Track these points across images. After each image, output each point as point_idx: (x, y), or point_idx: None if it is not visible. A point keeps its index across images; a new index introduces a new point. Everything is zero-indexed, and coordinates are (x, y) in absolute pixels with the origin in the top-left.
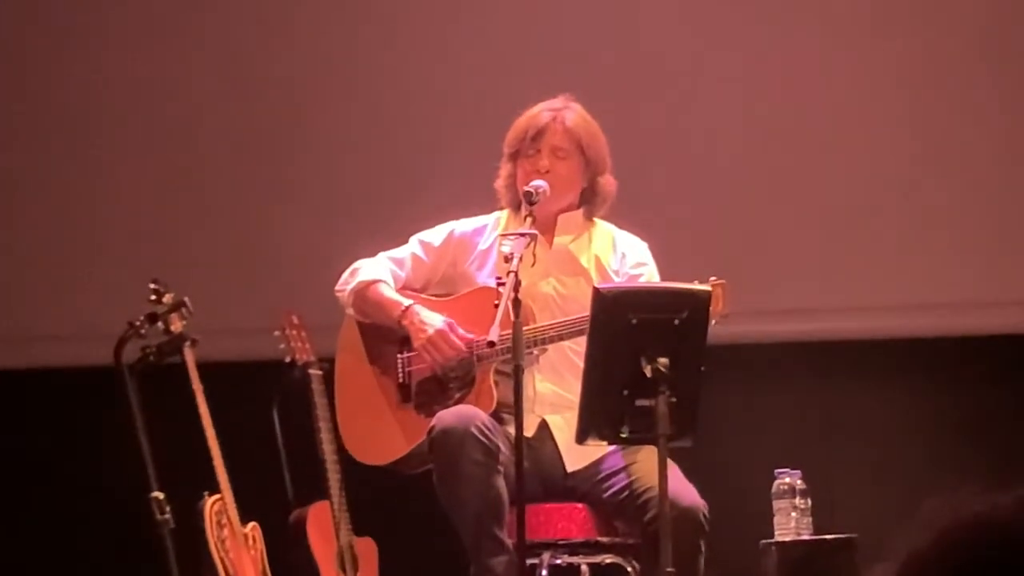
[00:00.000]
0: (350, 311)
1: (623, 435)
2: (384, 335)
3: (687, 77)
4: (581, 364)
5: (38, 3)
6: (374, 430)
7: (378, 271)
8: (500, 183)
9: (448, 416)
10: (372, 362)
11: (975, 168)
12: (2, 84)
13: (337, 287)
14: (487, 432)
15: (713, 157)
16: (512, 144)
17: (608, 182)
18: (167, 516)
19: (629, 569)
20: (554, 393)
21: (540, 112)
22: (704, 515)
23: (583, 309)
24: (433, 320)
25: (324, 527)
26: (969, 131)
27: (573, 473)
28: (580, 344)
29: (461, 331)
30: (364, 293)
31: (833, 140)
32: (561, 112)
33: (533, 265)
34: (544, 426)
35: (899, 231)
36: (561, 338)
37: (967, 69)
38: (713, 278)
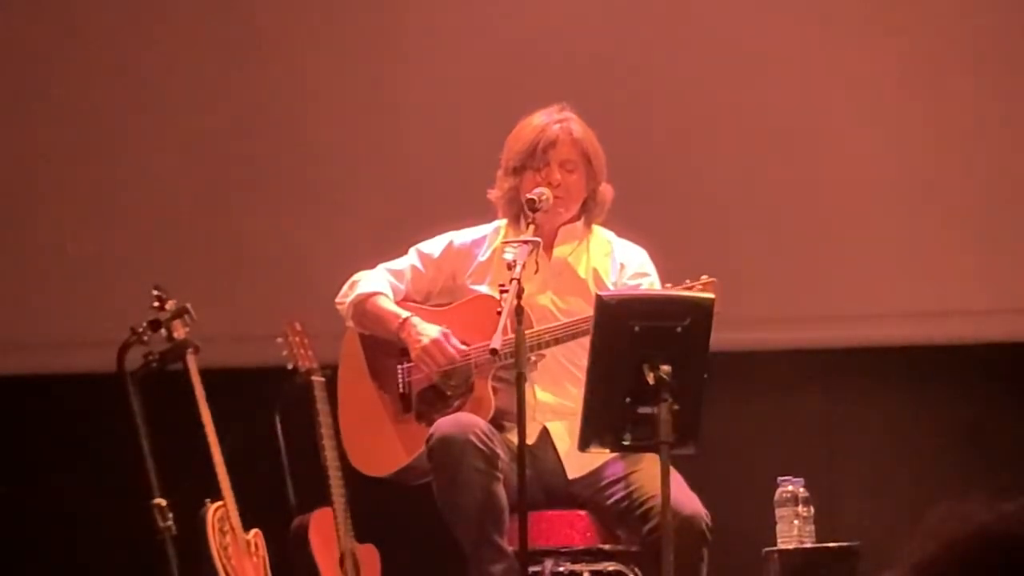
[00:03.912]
0: (350, 323)
1: (625, 443)
2: (385, 346)
3: (685, 83)
4: (579, 373)
5: (41, 4)
6: (376, 442)
7: (377, 283)
8: (498, 196)
9: (446, 424)
10: (373, 373)
11: (976, 176)
12: (6, 91)
13: (337, 299)
14: (486, 439)
15: (713, 165)
16: (518, 157)
17: (606, 190)
18: (169, 523)
19: None
20: (555, 401)
21: (547, 125)
22: (706, 524)
23: None
24: (428, 330)
25: (326, 534)
26: (970, 139)
27: (575, 480)
28: (577, 353)
29: (456, 341)
30: (363, 306)
31: (835, 147)
32: (566, 124)
33: (536, 272)
34: (545, 433)
35: (902, 239)
36: (559, 342)
37: (968, 75)
38: (704, 277)
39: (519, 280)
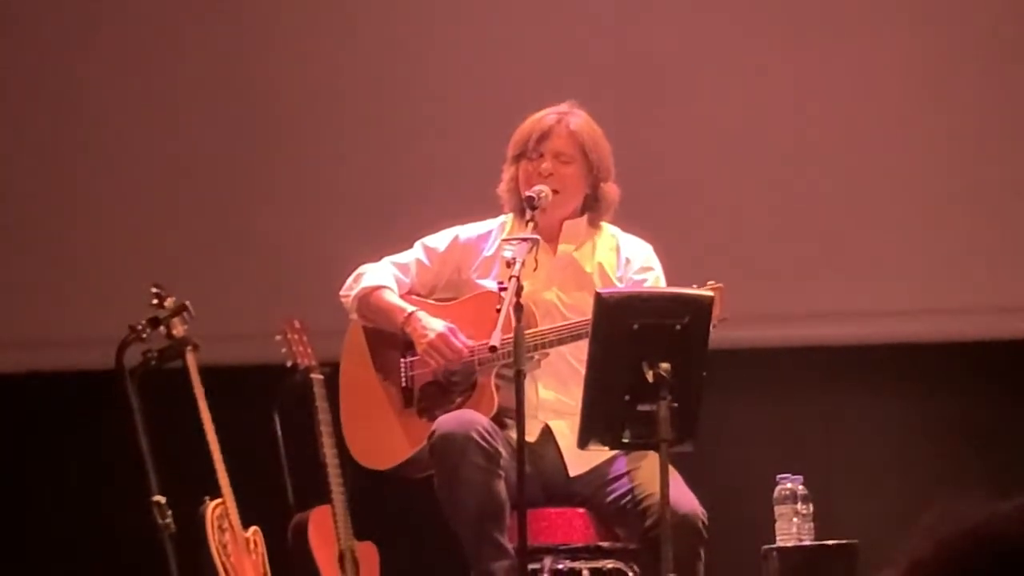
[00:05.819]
0: (354, 316)
1: (624, 440)
2: (388, 340)
3: (688, 82)
4: (583, 370)
5: (38, 7)
6: (377, 435)
7: (382, 277)
8: (503, 187)
9: (449, 421)
10: (376, 367)
11: (977, 173)
12: (5, 90)
13: (342, 292)
14: (488, 436)
15: (714, 161)
16: (515, 147)
17: (611, 189)
18: (168, 520)
19: (630, 574)
20: (557, 399)
21: (544, 116)
22: (703, 522)
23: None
24: (435, 325)
25: (325, 531)
26: (970, 136)
27: (575, 478)
28: (582, 351)
29: (463, 336)
30: (367, 299)
31: (834, 144)
32: (565, 117)
33: (535, 270)
34: (547, 431)
35: (901, 236)
36: (561, 342)
37: (968, 73)
38: (711, 282)
39: (518, 277)
